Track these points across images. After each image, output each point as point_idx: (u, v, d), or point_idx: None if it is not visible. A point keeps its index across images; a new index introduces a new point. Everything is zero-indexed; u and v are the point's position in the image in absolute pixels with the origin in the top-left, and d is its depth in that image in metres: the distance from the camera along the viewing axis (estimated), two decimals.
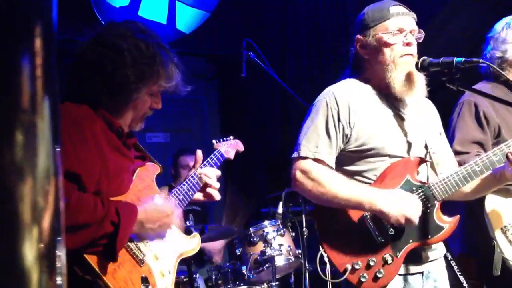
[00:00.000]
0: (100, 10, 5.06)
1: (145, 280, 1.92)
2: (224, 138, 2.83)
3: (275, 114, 6.11)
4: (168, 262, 2.06)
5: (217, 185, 2.29)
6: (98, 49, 1.94)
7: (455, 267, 4.18)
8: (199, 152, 2.33)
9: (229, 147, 2.72)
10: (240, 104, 6.40)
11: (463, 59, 2.17)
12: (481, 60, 2.18)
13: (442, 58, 2.21)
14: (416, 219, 2.18)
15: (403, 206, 2.16)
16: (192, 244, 2.22)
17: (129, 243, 1.91)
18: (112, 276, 1.82)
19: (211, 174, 2.27)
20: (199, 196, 2.28)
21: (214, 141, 2.75)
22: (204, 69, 6.46)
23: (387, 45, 2.29)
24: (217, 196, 2.29)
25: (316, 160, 2.27)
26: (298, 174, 2.28)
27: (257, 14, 6.18)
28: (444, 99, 4.76)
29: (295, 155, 2.32)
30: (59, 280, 0.67)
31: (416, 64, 2.27)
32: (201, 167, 2.33)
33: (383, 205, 2.16)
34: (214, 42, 6.08)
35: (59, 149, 0.67)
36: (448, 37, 5.01)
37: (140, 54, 1.95)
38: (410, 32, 2.31)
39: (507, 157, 2.29)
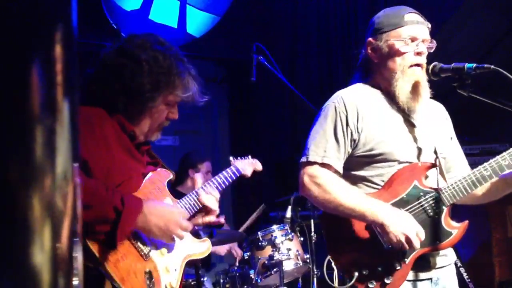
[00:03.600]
0: (111, 14, 5.10)
1: (149, 274, 1.94)
2: (243, 157, 2.84)
3: (285, 118, 6.11)
4: (174, 260, 2.08)
5: (212, 214, 2.25)
6: (118, 59, 2.03)
7: (464, 274, 4.16)
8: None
9: (247, 165, 2.73)
10: (249, 108, 6.41)
11: (474, 65, 2.17)
12: (492, 67, 2.17)
13: (453, 64, 2.20)
14: (416, 243, 2.14)
15: (405, 226, 2.14)
16: (201, 248, 2.23)
17: (135, 238, 1.94)
18: (115, 265, 1.84)
19: (208, 202, 2.24)
20: (199, 219, 2.27)
21: (231, 158, 2.75)
22: (214, 72, 6.49)
23: (399, 53, 2.28)
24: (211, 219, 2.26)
25: (324, 164, 2.27)
26: (306, 179, 2.28)
27: (267, 18, 6.20)
28: (454, 104, 4.75)
29: (303, 159, 2.32)
30: (75, 281, 0.68)
31: (427, 70, 2.26)
32: (215, 179, 2.36)
33: (385, 221, 2.14)
34: (224, 46, 6.10)
35: (78, 150, 0.68)
36: (459, 42, 5.00)
37: (157, 64, 2.02)
38: (423, 41, 2.31)
39: None
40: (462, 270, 4.10)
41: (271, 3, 6.21)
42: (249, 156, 2.83)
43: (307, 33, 5.99)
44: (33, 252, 0.64)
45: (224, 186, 2.37)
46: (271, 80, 4.78)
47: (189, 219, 2.18)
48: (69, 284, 0.66)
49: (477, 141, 4.89)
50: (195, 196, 2.22)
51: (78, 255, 0.69)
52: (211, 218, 2.24)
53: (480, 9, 4.89)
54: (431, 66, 2.26)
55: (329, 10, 5.84)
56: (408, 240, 2.13)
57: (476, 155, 4.75)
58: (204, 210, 2.24)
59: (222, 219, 2.29)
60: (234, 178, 2.46)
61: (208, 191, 2.23)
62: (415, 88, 2.28)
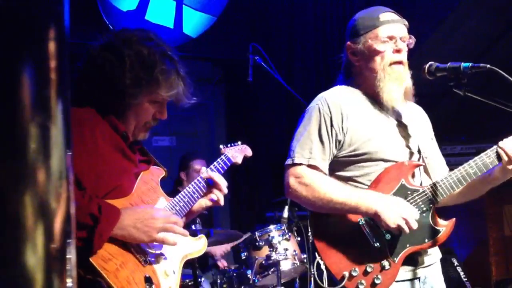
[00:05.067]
0: (107, 14, 5.09)
1: (148, 280, 1.92)
2: (232, 144, 2.84)
3: (281, 118, 6.11)
4: (172, 262, 2.06)
5: (225, 190, 2.26)
6: (103, 54, 1.98)
7: (461, 273, 4.17)
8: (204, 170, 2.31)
9: (237, 152, 2.72)
10: (246, 108, 6.41)
11: (470, 64, 2.17)
12: (488, 66, 2.17)
13: (449, 63, 2.21)
14: (413, 223, 2.15)
15: (399, 210, 2.16)
16: (197, 245, 2.22)
17: (132, 244, 1.92)
18: (115, 275, 1.82)
19: (219, 179, 2.25)
20: (203, 202, 2.25)
21: (221, 146, 2.76)
22: (211, 73, 6.48)
23: (377, 52, 2.30)
24: (221, 201, 2.26)
25: (310, 166, 2.27)
26: (292, 181, 2.27)
27: (263, 19, 6.20)
28: (450, 104, 4.76)
29: (288, 162, 2.31)
30: (69, 282, 0.67)
31: (423, 69, 2.27)
32: (207, 171, 2.32)
33: (379, 208, 2.15)
34: (220, 46, 6.09)
35: (70, 153, 0.68)
36: (455, 42, 5.01)
37: (140, 60, 1.96)
38: (401, 39, 2.32)
39: (497, 152, 2.26)
40: (459, 269, 4.11)
41: (268, 3, 6.20)
42: (239, 142, 2.83)
43: (303, 33, 5.99)
44: (25, 253, 0.63)
45: None
46: (267, 81, 4.78)
47: (190, 212, 2.18)
48: (62, 285, 0.65)
49: (473, 141, 4.90)
50: (192, 187, 2.19)
51: (72, 256, 0.69)
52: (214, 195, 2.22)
53: (476, 8, 4.90)
54: (427, 66, 2.26)
55: (326, 10, 5.85)
56: (406, 223, 2.14)
57: (472, 154, 4.75)
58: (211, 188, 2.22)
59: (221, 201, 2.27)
60: (226, 167, 2.44)
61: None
62: (401, 88, 2.30)
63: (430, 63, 2.27)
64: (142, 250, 1.94)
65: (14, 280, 0.63)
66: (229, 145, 2.79)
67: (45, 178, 0.65)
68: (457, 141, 4.80)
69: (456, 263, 4.13)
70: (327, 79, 5.84)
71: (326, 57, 5.89)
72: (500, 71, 2.39)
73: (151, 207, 2.01)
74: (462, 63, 2.18)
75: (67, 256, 0.67)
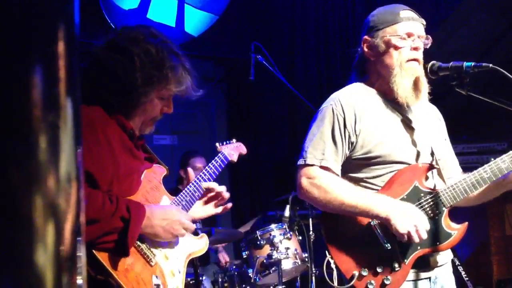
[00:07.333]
0: (109, 13, 5.10)
1: (156, 280, 1.94)
2: (227, 141, 2.87)
3: (283, 117, 6.12)
4: (178, 262, 2.09)
5: (219, 192, 2.30)
6: (109, 53, 1.98)
7: (463, 273, 4.17)
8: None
9: (232, 150, 2.74)
10: (248, 107, 6.42)
11: (473, 63, 2.17)
12: (490, 65, 2.17)
13: (451, 63, 2.20)
14: (423, 233, 2.14)
15: (411, 218, 2.14)
16: (200, 244, 2.24)
17: (139, 244, 1.93)
18: (124, 275, 1.84)
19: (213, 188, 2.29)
20: (203, 211, 2.31)
21: (217, 144, 2.78)
22: (212, 72, 6.48)
23: (395, 48, 2.27)
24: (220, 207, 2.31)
25: (322, 167, 2.25)
26: (304, 182, 2.27)
27: (265, 18, 6.20)
28: (452, 103, 4.76)
29: (301, 162, 2.29)
30: (79, 280, 0.67)
31: (426, 69, 2.26)
32: (206, 170, 2.35)
33: (390, 214, 2.14)
34: (222, 45, 6.10)
35: (80, 150, 0.68)
36: (457, 42, 5.00)
37: (149, 59, 1.97)
38: (418, 37, 2.31)
39: None
40: (460, 268, 4.10)
41: (270, 2, 6.21)
42: (234, 140, 2.86)
43: (305, 32, 6.00)
44: (36, 251, 0.64)
45: (215, 175, 2.37)
46: (269, 79, 4.78)
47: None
48: (72, 283, 0.66)
49: (475, 140, 4.90)
50: (193, 186, 2.23)
51: (82, 254, 0.69)
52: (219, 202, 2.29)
53: (478, 8, 4.90)
54: (429, 65, 2.25)
55: (327, 9, 5.85)
56: (415, 231, 2.13)
57: (474, 153, 4.75)
58: (207, 195, 2.28)
59: (229, 205, 2.34)
60: (223, 166, 2.47)
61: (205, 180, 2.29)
62: (415, 83, 2.26)
63: (432, 62, 2.26)
64: (150, 250, 1.96)
65: (25, 279, 0.63)
66: (224, 143, 2.82)
67: (55, 178, 0.65)
68: (459, 140, 4.80)
69: (457, 263, 4.13)
70: (328, 78, 5.84)
71: (327, 56, 5.89)
72: (502, 70, 2.39)
73: (177, 209, 2.07)
74: (465, 62, 2.17)
75: (77, 254, 0.67)
